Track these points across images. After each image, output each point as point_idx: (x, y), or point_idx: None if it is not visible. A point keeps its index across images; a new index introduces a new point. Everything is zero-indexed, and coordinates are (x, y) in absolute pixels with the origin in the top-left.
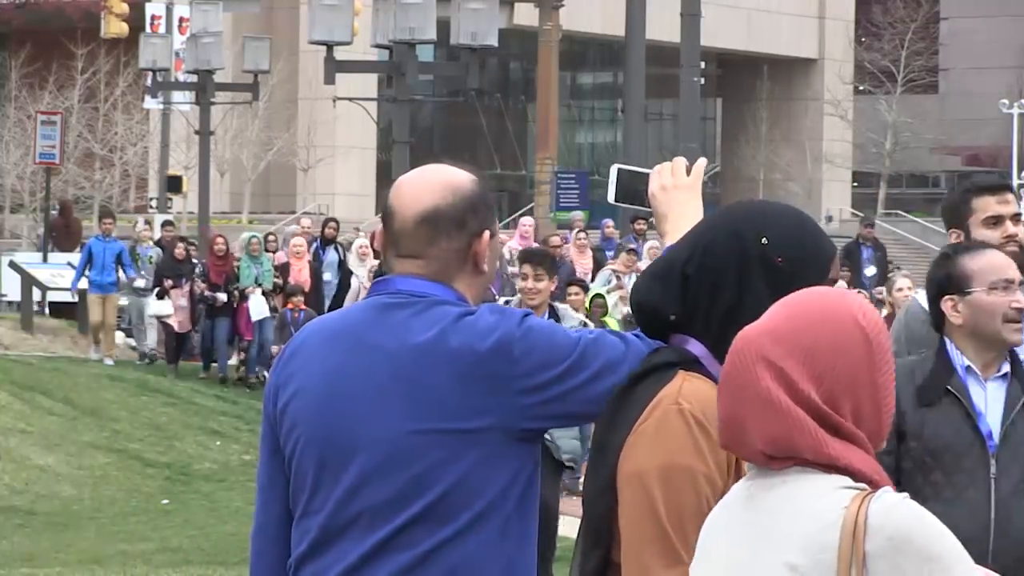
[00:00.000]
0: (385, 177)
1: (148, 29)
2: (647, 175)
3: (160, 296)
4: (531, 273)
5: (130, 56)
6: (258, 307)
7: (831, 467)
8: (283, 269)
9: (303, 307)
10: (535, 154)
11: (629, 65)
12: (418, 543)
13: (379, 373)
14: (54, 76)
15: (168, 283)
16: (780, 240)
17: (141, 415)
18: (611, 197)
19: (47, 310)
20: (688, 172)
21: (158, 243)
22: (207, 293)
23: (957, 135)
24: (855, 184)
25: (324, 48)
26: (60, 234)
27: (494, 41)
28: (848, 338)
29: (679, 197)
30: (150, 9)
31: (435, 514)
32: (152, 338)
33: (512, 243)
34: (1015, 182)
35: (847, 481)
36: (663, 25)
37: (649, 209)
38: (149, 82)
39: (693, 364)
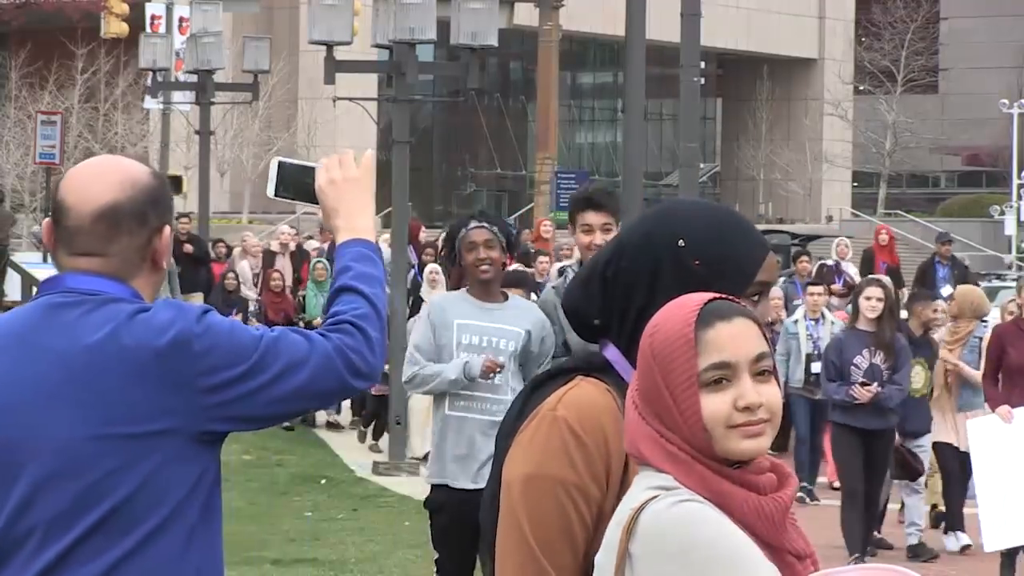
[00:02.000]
0: (385, 177)
1: (148, 29)
2: (313, 169)
3: None
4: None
5: (130, 56)
6: None
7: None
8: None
9: None
10: (535, 154)
11: (629, 65)
12: (99, 555)
13: (49, 378)
14: (54, 76)
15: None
16: (698, 242)
17: None
18: (270, 192)
19: None
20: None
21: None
22: None
23: (957, 135)
24: (855, 184)
25: (324, 48)
26: None
27: (494, 41)
28: (643, 349)
29: (348, 190)
30: (150, 9)
31: (115, 524)
32: None
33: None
34: (1015, 182)
35: (659, 481)
36: (663, 25)
37: (316, 204)
38: (149, 82)
39: (602, 369)
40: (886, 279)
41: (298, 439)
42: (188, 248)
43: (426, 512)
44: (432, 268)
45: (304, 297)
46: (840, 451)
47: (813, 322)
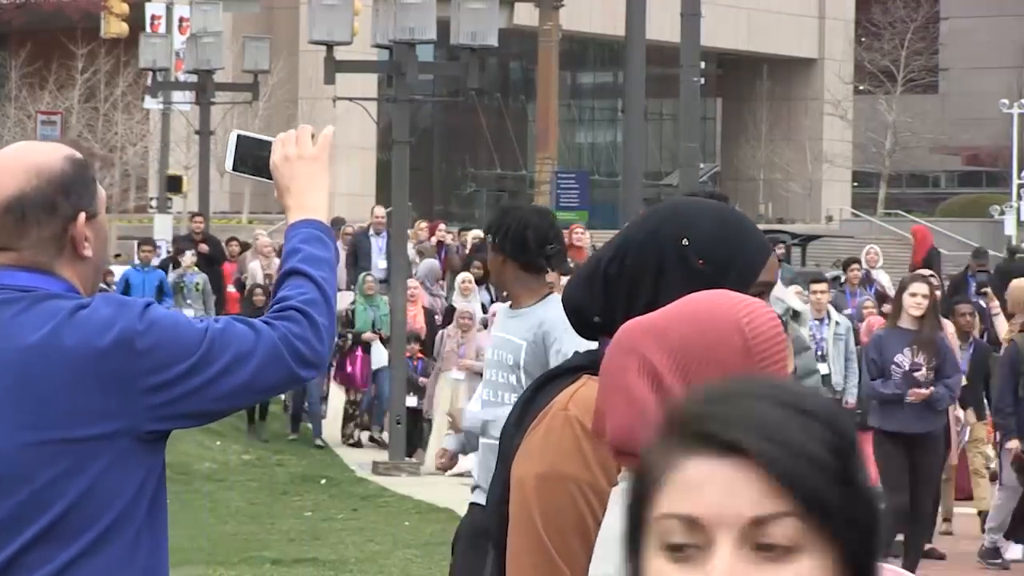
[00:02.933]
0: (385, 177)
1: (148, 29)
2: (270, 143)
3: None
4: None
5: (130, 56)
6: (379, 356)
7: None
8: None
9: (421, 355)
10: (535, 154)
11: (629, 65)
12: (46, 562)
13: None
14: (54, 76)
15: None
16: (702, 242)
17: None
18: (228, 165)
19: None
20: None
21: (186, 238)
22: None
23: (957, 135)
24: (855, 184)
25: (324, 48)
26: None
27: (494, 41)
28: (725, 343)
29: (303, 169)
30: (150, 9)
31: (61, 531)
32: None
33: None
34: (1015, 182)
35: None
36: (663, 25)
37: (271, 180)
38: (149, 82)
39: None
40: (932, 276)
41: (299, 439)
42: (204, 248)
43: (425, 512)
44: (464, 277)
45: (352, 311)
46: (882, 460)
47: (817, 322)
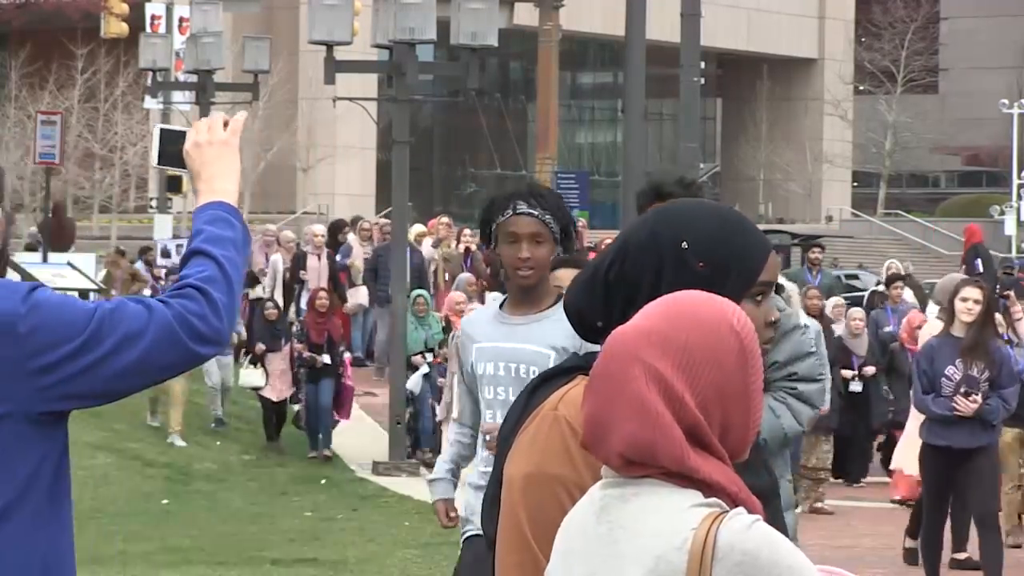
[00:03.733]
0: (385, 177)
1: (148, 29)
2: (185, 134)
3: (253, 363)
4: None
5: (130, 56)
6: (417, 380)
7: (687, 479)
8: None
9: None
10: (535, 154)
11: (629, 65)
12: None
13: None
14: (54, 76)
15: (260, 347)
16: (702, 244)
17: (141, 415)
18: (154, 160)
19: None
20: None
21: None
22: (306, 355)
23: (957, 135)
24: (855, 184)
25: (324, 48)
26: (53, 235)
27: (494, 41)
28: (724, 345)
29: (212, 153)
30: (150, 9)
31: None
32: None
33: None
34: (1015, 182)
35: (699, 498)
36: (663, 25)
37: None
38: (149, 82)
39: None
40: (983, 280)
41: (299, 439)
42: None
43: (425, 512)
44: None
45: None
46: (927, 475)
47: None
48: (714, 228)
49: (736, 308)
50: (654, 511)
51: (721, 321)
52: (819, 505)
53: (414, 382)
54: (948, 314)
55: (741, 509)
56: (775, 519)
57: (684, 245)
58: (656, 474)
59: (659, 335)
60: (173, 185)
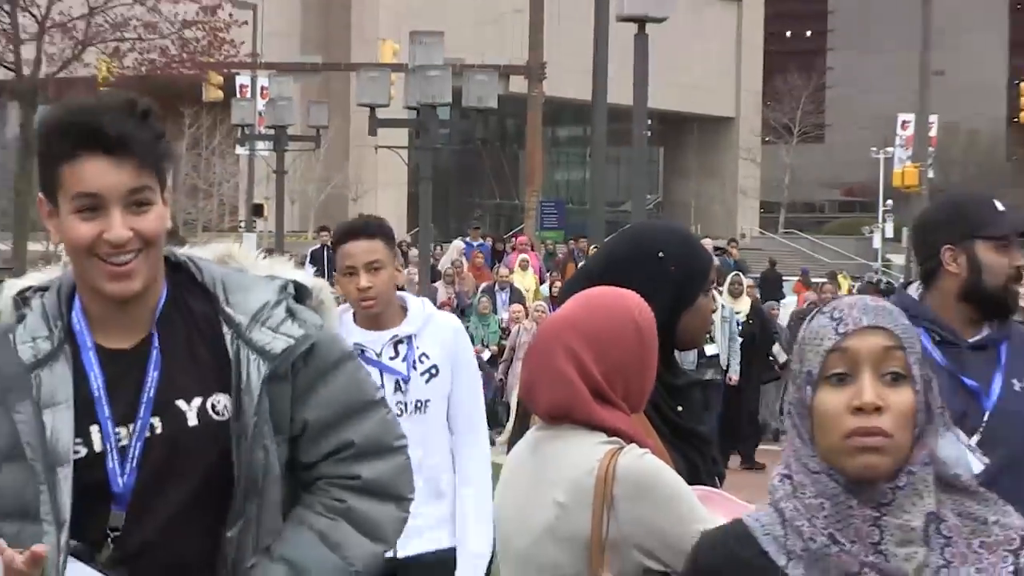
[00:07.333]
0: (414, 206)
1: (237, 95)
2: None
3: None
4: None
5: (224, 115)
6: None
7: (596, 427)
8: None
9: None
10: (525, 187)
11: (595, 121)
12: None
13: None
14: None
15: None
16: (673, 254)
17: None
18: None
19: None
20: None
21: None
22: None
23: (838, 174)
24: (762, 210)
25: (368, 109)
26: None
27: (494, 104)
28: (626, 330)
29: None
30: (239, 80)
31: None
32: None
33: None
34: (880, 210)
35: (604, 438)
36: (621, 91)
37: None
38: (239, 134)
39: None
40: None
41: None
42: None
43: None
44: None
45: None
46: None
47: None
48: (682, 242)
49: (639, 301)
50: (571, 448)
51: (625, 312)
52: None
53: None
54: None
55: (635, 445)
56: (713, 460)
57: (660, 255)
58: (573, 423)
59: (577, 322)
60: (256, 211)
